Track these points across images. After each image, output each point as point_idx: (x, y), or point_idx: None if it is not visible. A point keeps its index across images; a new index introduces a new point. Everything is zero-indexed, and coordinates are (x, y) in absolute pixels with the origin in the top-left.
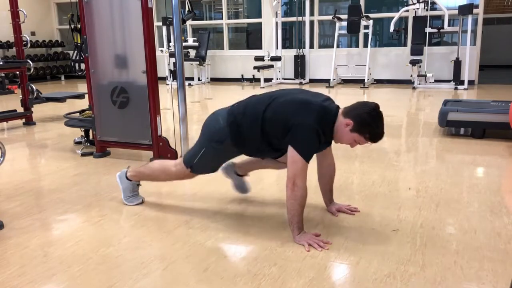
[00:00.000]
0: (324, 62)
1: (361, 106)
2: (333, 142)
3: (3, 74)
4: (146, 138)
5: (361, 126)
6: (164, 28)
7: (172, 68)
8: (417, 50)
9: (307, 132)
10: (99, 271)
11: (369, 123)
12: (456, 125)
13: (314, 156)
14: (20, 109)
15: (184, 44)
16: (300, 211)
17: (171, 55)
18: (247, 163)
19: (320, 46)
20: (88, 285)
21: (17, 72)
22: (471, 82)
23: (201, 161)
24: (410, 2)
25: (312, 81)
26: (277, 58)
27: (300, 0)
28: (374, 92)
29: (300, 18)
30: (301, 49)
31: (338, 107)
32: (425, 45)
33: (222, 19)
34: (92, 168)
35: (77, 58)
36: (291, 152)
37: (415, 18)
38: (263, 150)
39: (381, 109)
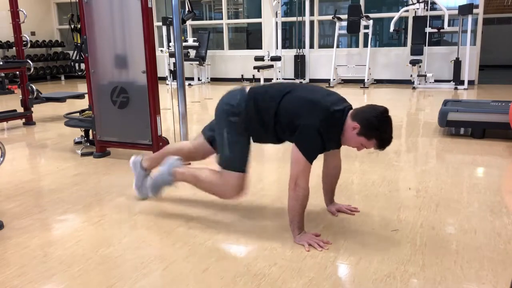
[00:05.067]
0: (324, 62)
1: (369, 109)
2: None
3: (3, 74)
4: (146, 138)
5: (368, 130)
6: (164, 28)
7: (172, 68)
8: (417, 50)
9: (312, 134)
10: (99, 271)
11: (376, 128)
12: (456, 125)
13: (320, 155)
14: (20, 109)
15: (184, 44)
16: (301, 211)
17: (171, 55)
18: (156, 157)
19: (320, 46)
20: (88, 285)
21: (17, 72)
22: (471, 82)
23: (233, 149)
24: (410, 2)
25: (312, 81)
26: (277, 58)
27: (300, 0)
28: (374, 92)
29: (300, 18)
30: (301, 49)
31: (349, 108)
32: (425, 45)
33: (222, 19)
34: (92, 168)
35: (77, 58)
36: (295, 151)
37: (415, 18)
38: (267, 137)
39: None
